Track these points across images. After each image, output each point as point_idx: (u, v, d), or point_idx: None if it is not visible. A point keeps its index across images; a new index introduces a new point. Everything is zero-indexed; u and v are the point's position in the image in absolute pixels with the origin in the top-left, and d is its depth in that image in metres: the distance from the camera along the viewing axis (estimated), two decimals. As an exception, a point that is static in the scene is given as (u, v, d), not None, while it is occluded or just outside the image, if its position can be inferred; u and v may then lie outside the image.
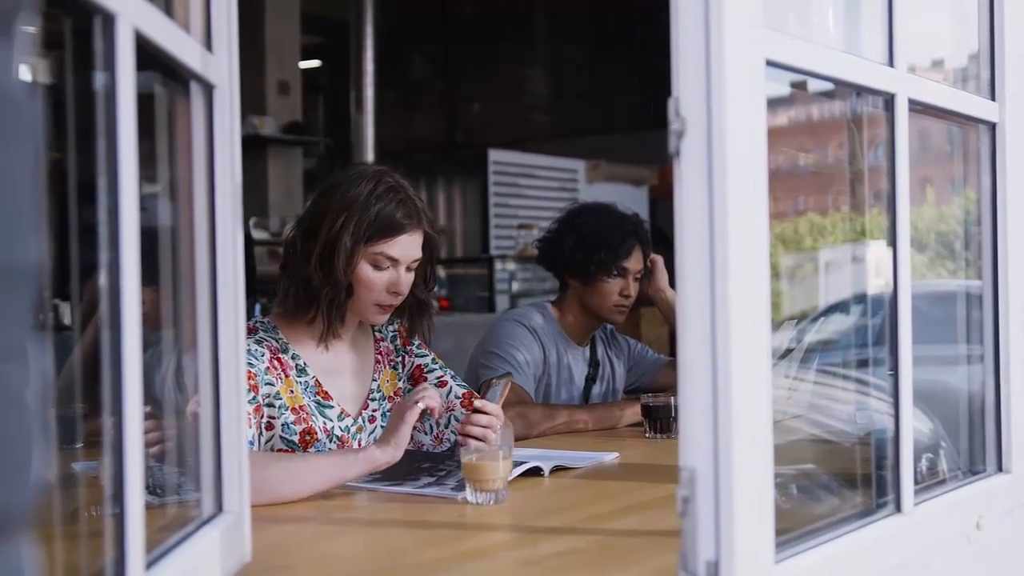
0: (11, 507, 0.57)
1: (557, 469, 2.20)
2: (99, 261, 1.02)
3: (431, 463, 2.17)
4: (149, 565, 1.09)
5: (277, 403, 2.16)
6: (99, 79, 1.02)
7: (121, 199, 1.01)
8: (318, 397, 2.23)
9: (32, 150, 0.58)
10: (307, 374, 2.23)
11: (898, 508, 1.55)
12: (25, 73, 0.61)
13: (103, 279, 1.01)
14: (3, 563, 0.56)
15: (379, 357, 2.38)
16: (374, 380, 2.35)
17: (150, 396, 1.08)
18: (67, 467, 1.81)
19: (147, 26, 1.09)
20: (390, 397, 2.36)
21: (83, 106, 1.03)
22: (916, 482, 1.58)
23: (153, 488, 1.32)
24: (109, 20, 1.00)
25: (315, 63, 10.41)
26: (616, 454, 2.39)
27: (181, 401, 1.47)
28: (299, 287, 2.21)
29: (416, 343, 2.44)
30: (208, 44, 1.36)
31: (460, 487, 1.93)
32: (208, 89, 1.36)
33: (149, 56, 1.12)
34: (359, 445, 2.26)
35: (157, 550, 1.16)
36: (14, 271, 0.56)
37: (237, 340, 1.41)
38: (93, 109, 1.02)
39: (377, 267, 2.20)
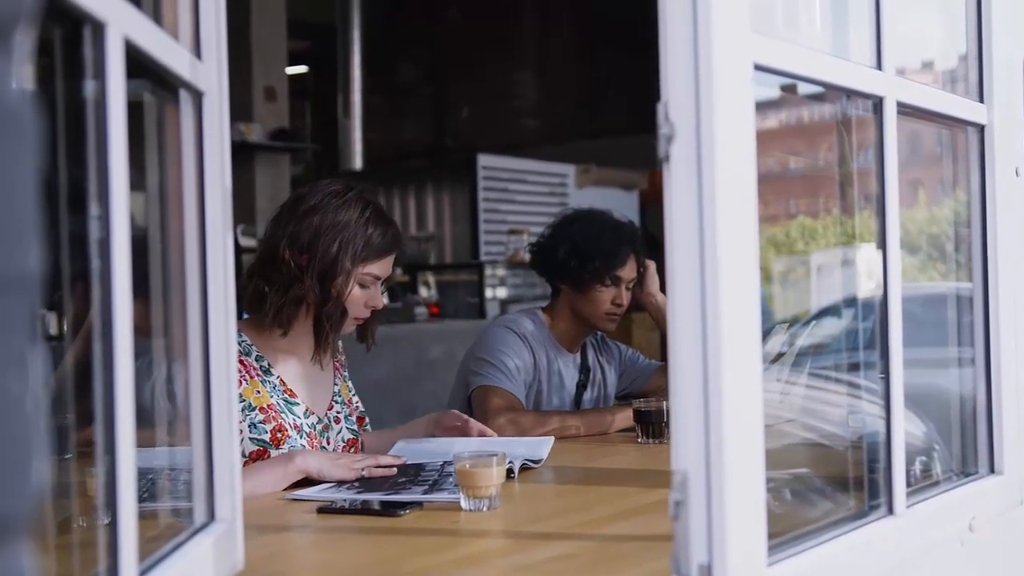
0: (12, 513, 0.57)
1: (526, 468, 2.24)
2: (89, 270, 1.02)
3: (406, 477, 2.14)
4: (142, 574, 1.09)
5: (240, 404, 2.20)
6: (89, 87, 1.02)
7: (112, 207, 1.01)
8: (285, 395, 2.32)
9: (31, 159, 0.58)
10: (272, 374, 2.32)
11: (890, 510, 1.55)
12: (22, 82, 0.61)
13: (95, 288, 1.01)
14: (4, 568, 0.57)
15: (337, 365, 2.51)
16: (335, 385, 2.47)
17: (140, 406, 1.08)
18: (62, 477, 1.80)
19: (136, 34, 1.08)
20: (347, 402, 2.49)
21: (71, 114, 1.03)
22: (909, 485, 1.59)
23: (142, 496, 1.31)
24: (99, 28, 1.00)
25: (302, 68, 10.39)
26: (551, 439, 2.45)
27: (171, 411, 1.47)
28: (291, 303, 2.28)
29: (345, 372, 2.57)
30: (197, 52, 1.36)
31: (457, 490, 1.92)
32: (197, 97, 1.36)
33: (137, 64, 1.12)
34: (327, 443, 2.38)
35: (150, 559, 1.16)
36: (15, 279, 0.56)
37: (228, 348, 1.41)
38: (83, 117, 1.02)
39: (363, 286, 2.33)
